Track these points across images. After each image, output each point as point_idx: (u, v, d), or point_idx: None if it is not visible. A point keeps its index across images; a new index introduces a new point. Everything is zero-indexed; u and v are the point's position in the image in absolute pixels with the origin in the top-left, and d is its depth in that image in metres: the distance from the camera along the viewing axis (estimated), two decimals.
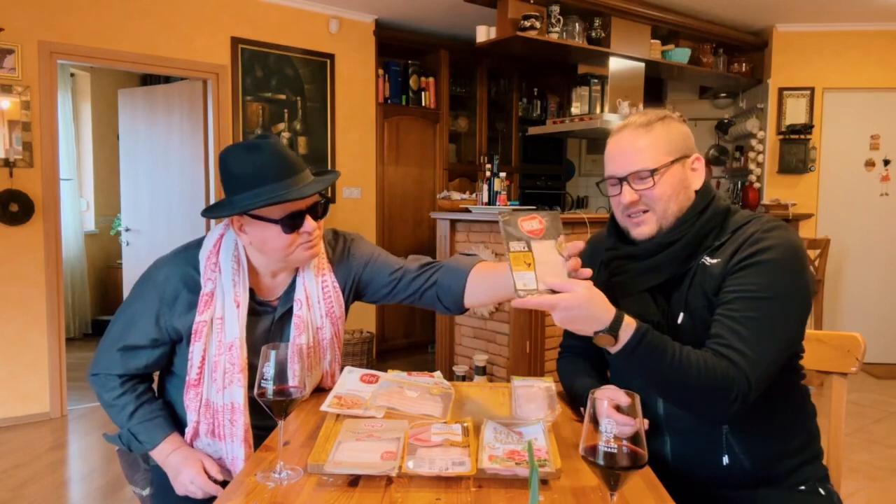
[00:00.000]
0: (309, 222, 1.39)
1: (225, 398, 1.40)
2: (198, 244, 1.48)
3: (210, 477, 1.41)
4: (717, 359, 1.16)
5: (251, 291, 1.46)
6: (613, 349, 1.12)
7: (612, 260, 1.39)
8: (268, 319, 1.50)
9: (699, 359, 1.15)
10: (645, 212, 1.31)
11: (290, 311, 1.49)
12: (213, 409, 1.42)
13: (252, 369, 1.39)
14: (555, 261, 1.10)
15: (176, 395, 1.50)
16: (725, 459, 1.27)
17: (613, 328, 1.10)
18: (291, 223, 1.37)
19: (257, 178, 1.35)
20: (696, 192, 1.33)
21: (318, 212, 1.43)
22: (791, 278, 1.21)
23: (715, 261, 1.26)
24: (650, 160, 1.29)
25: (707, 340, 1.20)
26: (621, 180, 1.31)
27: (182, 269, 1.45)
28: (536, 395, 1.34)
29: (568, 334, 1.55)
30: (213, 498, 1.08)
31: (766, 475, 1.28)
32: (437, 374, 1.52)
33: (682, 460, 1.30)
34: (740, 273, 1.21)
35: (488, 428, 1.19)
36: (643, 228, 1.32)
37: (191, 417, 1.43)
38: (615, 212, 1.38)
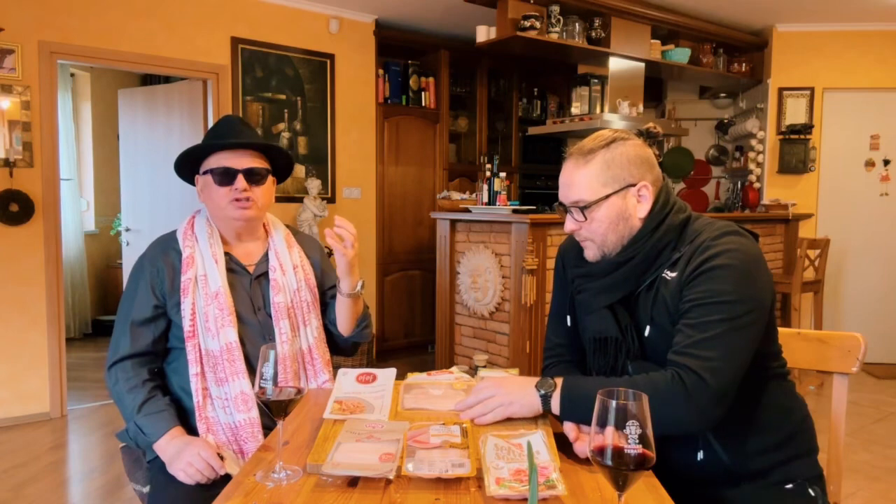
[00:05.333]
0: (241, 181, 1.60)
1: (220, 341, 1.54)
2: (172, 233, 1.70)
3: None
4: (661, 370, 1.21)
5: (230, 255, 1.66)
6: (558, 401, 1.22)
7: (575, 278, 1.43)
8: (247, 279, 1.67)
9: (637, 378, 1.22)
10: (586, 240, 1.35)
11: (266, 275, 1.68)
12: (212, 357, 1.55)
13: (238, 316, 1.60)
14: None
15: (180, 367, 1.58)
16: (700, 455, 1.27)
17: (546, 383, 1.24)
18: (222, 176, 1.60)
19: (207, 137, 1.68)
20: (648, 214, 1.32)
21: (254, 178, 1.62)
22: (741, 281, 1.22)
23: (674, 274, 1.28)
24: (584, 195, 1.30)
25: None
26: (565, 209, 1.35)
27: (164, 248, 1.65)
28: None
29: (551, 334, 1.56)
30: (210, 494, 1.07)
31: (746, 471, 1.28)
32: (455, 368, 1.56)
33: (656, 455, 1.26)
34: (693, 283, 1.23)
35: (489, 445, 1.13)
36: (588, 252, 1.37)
37: (193, 370, 1.54)
38: None
